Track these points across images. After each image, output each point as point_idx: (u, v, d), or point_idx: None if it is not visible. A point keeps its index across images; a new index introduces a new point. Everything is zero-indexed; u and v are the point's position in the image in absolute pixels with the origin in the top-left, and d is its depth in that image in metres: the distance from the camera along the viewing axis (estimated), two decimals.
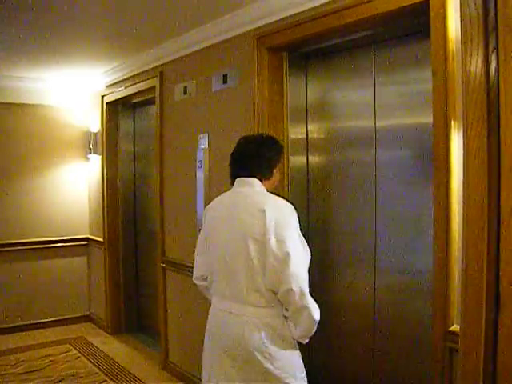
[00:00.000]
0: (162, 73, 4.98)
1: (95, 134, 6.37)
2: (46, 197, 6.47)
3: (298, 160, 3.85)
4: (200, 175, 4.41)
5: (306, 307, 2.47)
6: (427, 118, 2.79)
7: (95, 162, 6.44)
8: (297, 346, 2.63)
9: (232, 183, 2.76)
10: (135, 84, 5.48)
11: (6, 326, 6.26)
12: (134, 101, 5.92)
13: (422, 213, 3.09)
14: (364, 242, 3.50)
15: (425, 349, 2.93)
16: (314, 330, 2.55)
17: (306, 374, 2.69)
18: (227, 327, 2.57)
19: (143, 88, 5.34)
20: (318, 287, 3.79)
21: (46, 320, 6.51)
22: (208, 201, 4.07)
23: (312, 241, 3.81)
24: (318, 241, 3.80)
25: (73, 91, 6.54)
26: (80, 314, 6.74)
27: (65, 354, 5.62)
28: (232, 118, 4.10)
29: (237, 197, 2.68)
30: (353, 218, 3.60)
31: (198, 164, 4.45)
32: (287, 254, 2.44)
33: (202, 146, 4.40)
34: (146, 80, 5.26)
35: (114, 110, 6.17)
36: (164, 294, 5.01)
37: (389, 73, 3.34)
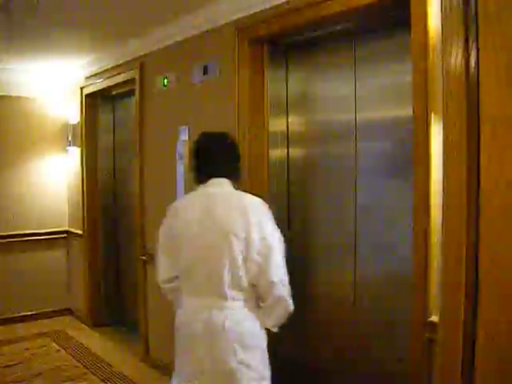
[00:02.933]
0: (142, 64, 4.95)
1: (74, 126, 6.30)
2: (24, 190, 6.40)
3: (278, 152, 3.85)
4: (180, 167, 4.40)
5: (285, 299, 2.61)
6: (407, 111, 2.80)
7: (74, 154, 6.38)
8: (266, 338, 2.75)
9: (199, 181, 2.80)
10: (115, 76, 5.43)
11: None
12: (113, 93, 5.87)
13: (402, 205, 3.10)
14: (344, 234, 3.51)
15: (404, 339, 2.95)
16: (284, 320, 2.70)
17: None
18: (207, 323, 2.60)
19: (123, 80, 5.31)
20: (298, 279, 3.84)
21: (26, 313, 6.45)
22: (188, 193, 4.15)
23: (292, 233, 3.84)
24: (298, 232, 3.81)
25: (52, 83, 6.47)
26: (60, 308, 6.68)
27: (45, 348, 5.58)
28: (212, 109, 4.09)
29: (213, 197, 2.71)
30: (333, 210, 3.61)
31: (177, 156, 4.43)
32: (270, 249, 2.58)
33: (183, 138, 4.38)
34: (126, 72, 5.22)
35: (93, 101, 6.11)
36: (144, 287, 4.99)
37: (369, 65, 3.35)
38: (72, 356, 5.33)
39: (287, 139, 3.87)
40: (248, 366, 2.61)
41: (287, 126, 3.87)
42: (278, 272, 2.59)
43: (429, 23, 2.59)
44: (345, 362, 3.54)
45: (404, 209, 3.00)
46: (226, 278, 2.58)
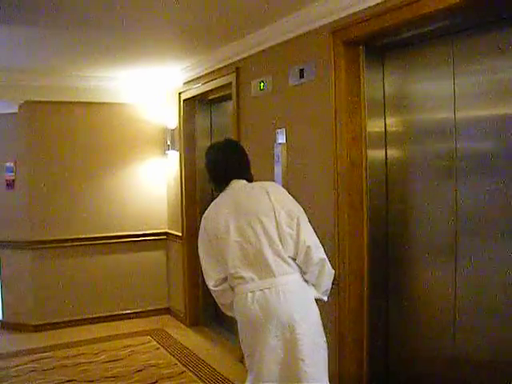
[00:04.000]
0: (238, 68, 5.03)
1: (173, 131, 6.49)
2: (125, 192, 6.69)
3: (376, 154, 3.80)
4: (278, 170, 4.43)
5: (324, 259, 2.87)
6: (510, 109, 2.69)
7: (173, 157, 6.58)
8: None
9: (220, 190, 3.07)
10: (212, 80, 5.55)
11: (88, 316, 6.53)
12: (210, 97, 6.00)
13: (509, 209, 2.99)
14: (444, 237, 3.42)
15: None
16: (331, 285, 2.97)
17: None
18: (263, 301, 2.77)
19: (220, 84, 5.41)
20: (395, 281, 3.79)
21: (127, 312, 6.73)
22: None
23: (391, 234, 3.78)
24: (397, 234, 3.75)
25: (151, 89, 6.70)
26: (159, 307, 6.91)
27: (145, 345, 5.78)
28: (309, 112, 4.09)
29: (237, 194, 2.98)
30: (433, 212, 3.53)
31: (275, 159, 4.46)
32: (297, 219, 2.84)
33: (280, 141, 4.41)
34: (222, 76, 5.32)
35: (191, 106, 6.27)
36: None
37: (468, 63, 3.25)
38: (171, 354, 5.49)
39: (385, 140, 3.81)
40: (308, 337, 2.77)
41: (385, 127, 3.81)
42: (311, 237, 2.86)
43: None
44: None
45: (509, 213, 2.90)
46: (269, 255, 2.79)
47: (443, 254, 3.45)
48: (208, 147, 3.24)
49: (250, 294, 2.80)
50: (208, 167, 3.15)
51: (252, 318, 2.80)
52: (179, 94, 6.27)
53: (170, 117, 6.57)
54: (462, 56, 3.26)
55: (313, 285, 2.90)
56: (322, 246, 2.92)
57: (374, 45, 3.73)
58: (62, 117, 6.37)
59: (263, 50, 4.65)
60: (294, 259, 2.84)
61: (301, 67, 4.16)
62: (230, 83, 5.16)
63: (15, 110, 6.28)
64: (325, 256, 2.87)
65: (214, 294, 3.01)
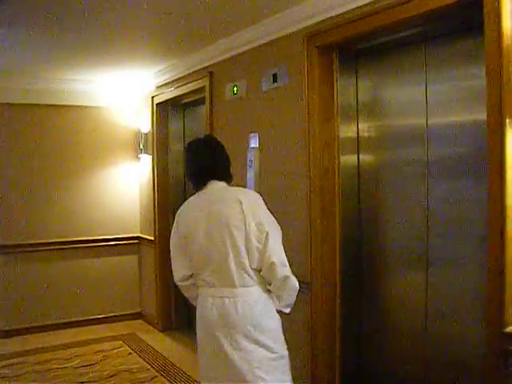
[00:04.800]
0: (211, 73, 5.03)
1: (146, 135, 6.47)
2: (98, 196, 6.64)
3: (348, 159, 3.84)
4: (250, 175, 4.43)
5: (288, 277, 2.81)
6: (480, 115, 2.74)
7: (146, 161, 6.56)
8: (280, 318, 2.95)
9: (198, 188, 3.04)
10: (185, 84, 5.55)
11: (60, 321, 6.44)
12: (183, 101, 6.04)
13: (475, 213, 3.04)
14: (416, 243, 3.47)
15: (478, 350, 2.88)
16: (295, 299, 2.92)
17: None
18: (222, 309, 2.81)
19: (193, 88, 5.41)
20: (370, 286, 3.82)
21: (99, 317, 6.67)
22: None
23: (363, 240, 3.82)
24: (369, 240, 3.79)
25: (123, 93, 6.68)
26: (132, 311, 6.87)
27: (117, 350, 5.73)
28: (282, 116, 4.12)
29: (210, 196, 2.95)
30: (404, 218, 3.57)
31: (248, 163, 4.47)
32: (266, 234, 2.79)
33: (253, 146, 4.42)
34: (195, 80, 5.32)
35: (164, 110, 6.26)
36: None
37: (441, 69, 3.30)
38: (143, 359, 5.46)
39: (357, 146, 3.85)
40: (264, 346, 2.80)
41: (357, 133, 3.85)
42: (278, 254, 2.81)
43: (503, 25, 2.54)
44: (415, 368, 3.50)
45: (478, 216, 2.95)
46: (233, 267, 2.79)
47: (415, 257, 3.49)
48: (188, 143, 3.20)
49: (210, 299, 2.86)
50: (186, 164, 3.19)
51: (209, 322, 2.86)
52: (152, 97, 6.26)
53: (143, 121, 6.56)
54: (435, 62, 3.31)
55: (276, 296, 2.89)
56: (289, 262, 2.86)
57: (348, 50, 3.78)
58: (33, 120, 6.30)
59: (237, 55, 4.66)
60: (259, 271, 2.84)
61: (274, 72, 4.19)
62: (203, 87, 5.17)
63: None
64: (289, 274, 2.82)
65: (180, 288, 3.10)
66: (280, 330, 2.93)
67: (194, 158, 3.07)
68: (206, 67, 5.12)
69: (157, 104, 6.20)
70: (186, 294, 3.13)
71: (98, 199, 6.62)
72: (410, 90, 3.53)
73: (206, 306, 2.87)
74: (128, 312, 6.84)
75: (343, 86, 3.80)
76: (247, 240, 2.79)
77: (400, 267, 3.64)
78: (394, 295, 3.69)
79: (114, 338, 6.13)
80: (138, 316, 6.88)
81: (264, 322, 2.82)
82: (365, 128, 3.83)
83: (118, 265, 6.79)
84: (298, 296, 2.93)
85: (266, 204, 2.94)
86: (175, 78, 5.74)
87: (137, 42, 4.81)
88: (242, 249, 2.79)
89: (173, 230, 3.06)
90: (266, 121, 4.30)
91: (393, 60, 3.62)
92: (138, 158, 6.71)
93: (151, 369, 5.17)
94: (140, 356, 5.55)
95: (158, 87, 6.16)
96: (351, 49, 3.76)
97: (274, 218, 2.91)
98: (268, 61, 4.26)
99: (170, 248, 3.07)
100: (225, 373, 2.81)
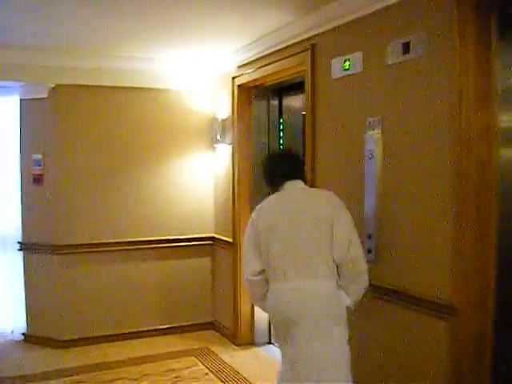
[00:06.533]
0: (313, 46, 4.19)
1: (224, 122, 5.67)
2: (166, 191, 5.89)
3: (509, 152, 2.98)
4: (370, 169, 3.59)
5: (366, 272, 3.02)
6: None
7: (223, 152, 5.77)
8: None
9: (274, 188, 3.21)
10: (275, 62, 4.73)
11: (124, 331, 5.75)
12: (272, 82, 5.18)
13: None
14: None
15: None
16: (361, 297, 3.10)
17: None
18: (303, 301, 2.91)
19: (286, 66, 4.59)
20: None
21: (165, 326, 5.94)
22: (382, 199, 3.51)
23: None
24: None
25: (197, 73, 5.89)
26: (203, 321, 6.11)
27: (191, 369, 5.00)
28: (416, 97, 3.25)
29: (295, 193, 3.14)
30: None
31: (366, 155, 3.63)
32: (351, 231, 3.00)
33: (373, 132, 3.58)
34: (290, 56, 4.49)
35: (248, 93, 5.45)
36: None
37: None
38: (222, 381, 4.69)
39: None
40: (336, 339, 2.95)
41: None
42: (360, 250, 3.01)
43: None
44: None
45: None
46: (316, 258, 2.93)
47: None
48: (268, 154, 3.69)
49: (288, 292, 2.94)
50: (264, 173, 3.36)
51: (284, 315, 2.94)
52: (233, 78, 5.45)
53: (220, 106, 5.77)
54: None
55: (347, 292, 3.02)
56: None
57: None
58: (96, 103, 5.58)
59: (350, 21, 3.79)
60: (337, 266, 2.98)
61: (405, 40, 3.32)
62: (302, 64, 4.32)
63: (44, 95, 5.49)
64: (367, 269, 3.02)
65: (248, 283, 3.16)
66: (347, 327, 3.06)
67: (269, 167, 3.31)
68: (306, 40, 4.27)
69: (238, 86, 5.39)
70: (251, 290, 3.19)
71: (166, 195, 5.88)
72: None
73: (281, 298, 2.96)
74: (198, 322, 6.08)
75: (505, 60, 2.91)
76: (334, 235, 2.94)
77: None
78: None
79: (185, 354, 5.38)
80: (209, 326, 6.11)
81: (338, 316, 2.96)
82: None
83: (189, 269, 6.03)
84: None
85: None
86: (262, 54, 4.92)
87: (214, 8, 3.97)
88: (328, 244, 2.93)
89: (249, 225, 3.15)
90: (393, 102, 3.44)
91: None
92: (214, 149, 5.92)
93: None
94: (218, 378, 4.78)
95: (239, 67, 5.35)
96: None
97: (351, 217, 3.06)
98: (396, 27, 3.39)
99: (244, 242, 3.17)
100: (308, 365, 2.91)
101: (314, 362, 2.90)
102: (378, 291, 3.49)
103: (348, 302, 3.03)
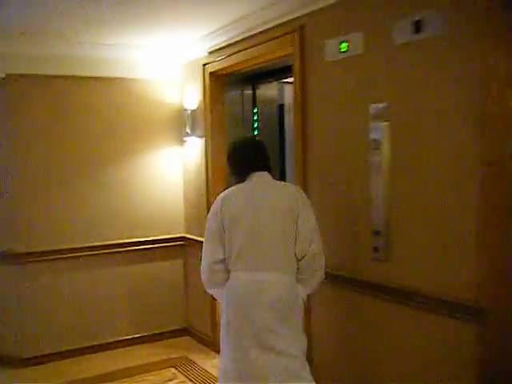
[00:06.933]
0: (302, 27, 3.83)
1: (193, 113, 5.25)
2: (132, 189, 5.44)
3: None
4: (376, 160, 3.28)
5: (323, 267, 3.09)
6: None
7: (193, 146, 5.36)
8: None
9: (239, 179, 3.20)
10: (255, 46, 4.35)
11: (93, 343, 5.29)
12: (248, 69, 4.80)
13: None
14: None
15: None
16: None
17: None
18: (265, 292, 2.93)
19: (267, 51, 4.23)
20: None
21: (136, 336, 5.50)
22: (391, 192, 3.22)
23: None
24: None
25: (165, 61, 5.46)
26: (176, 327, 5.70)
27: (172, 383, 4.58)
28: (431, 81, 2.94)
29: (261, 185, 3.13)
30: None
31: (371, 144, 3.32)
32: (314, 227, 3.05)
33: (378, 120, 3.27)
34: (272, 39, 4.13)
35: (221, 82, 5.05)
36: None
37: None
38: None
39: None
40: (286, 336, 2.95)
41: None
42: (321, 245, 3.06)
43: None
44: None
45: None
46: (280, 252, 2.97)
47: None
48: (231, 143, 3.43)
49: (248, 283, 2.97)
50: (229, 161, 3.31)
51: (244, 304, 2.96)
52: (203, 65, 5.04)
53: (189, 95, 5.35)
54: None
55: (303, 284, 3.07)
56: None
57: None
58: (54, 95, 5.04)
59: None
60: (298, 260, 3.03)
61: (417, 17, 3.01)
62: (288, 47, 3.97)
63: None
64: (324, 265, 3.09)
65: (208, 271, 3.11)
66: (302, 322, 3.12)
67: (235, 154, 3.26)
68: (294, 20, 3.91)
69: (210, 73, 4.98)
70: (210, 281, 3.14)
71: (132, 193, 5.43)
72: None
73: (246, 289, 2.97)
74: (171, 328, 5.67)
75: None
76: (298, 230, 2.99)
77: None
78: None
79: (163, 365, 4.97)
80: (182, 333, 5.71)
81: (293, 312, 3.00)
82: None
83: (158, 271, 5.60)
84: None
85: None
86: (238, 38, 4.54)
87: None
88: (292, 238, 2.99)
89: (212, 214, 3.12)
90: (401, 86, 3.13)
91: None
92: (183, 142, 5.51)
93: None
94: None
95: (211, 52, 4.95)
96: None
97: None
98: (405, 2, 3.09)
99: (206, 231, 3.14)
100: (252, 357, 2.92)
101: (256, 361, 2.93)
102: (387, 293, 3.22)
103: (303, 294, 3.11)
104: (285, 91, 5.49)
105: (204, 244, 3.15)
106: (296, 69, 3.90)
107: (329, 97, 3.68)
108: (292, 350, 2.95)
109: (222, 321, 3.13)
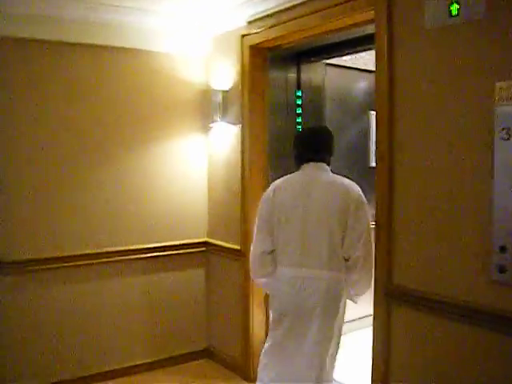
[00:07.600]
0: None
1: (226, 94, 4.41)
2: (145, 186, 4.54)
3: None
4: (504, 155, 2.49)
5: (369, 272, 3.02)
6: None
7: (224, 134, 4.53)
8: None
9: (296, 166, 3.18)
10: (310, 15, 3.53)
11: (100, 370, 4.38)
12: (300, 42, 4.00)
13: None
14: None
15: None
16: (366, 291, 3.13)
17: None
18: (309, 288, 2.93)
19: (333, 18, 3.41)
20: None
21: (154, 359, 4.64)
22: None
23: None
24: None
25: (189, 31, 4.58)
26: (195, 349, 4.85)
27: None
28: None
29: (314, 177, 3.07)
30: None
31: (500, 134, 2.52)
32: (363, 231, 2.95)
33: (510, 103, 2.47)
34: (342, 3, 3.31)
35: (263, 56, 4.21)
36: (387, 339, 3.13)
37: None
38: None
39: None
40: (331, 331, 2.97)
41: None
42: (371, 247, 3.00)
43: None
44: None
45: None
46: (326, 250, 2.94)
47: None
48: (303, 128, 3.70)
49: (287, 279, 2.99)
50: (292, 148, 3.23)
51: (283, 299, 3.00)
52: (242, 37, 4.20)
53: (221, 74, 4.51)
54: None
55: (351, 287, 3.03)
56: None
57: None
58: (58, 65, 4.08)
59: None
60: (346, 260, 2.97)
61: None
62: (365, 11, 3.16)
63: None
64: (371, 268, 3.00)
65: (258, 261, 3.12)
66: (343, 318, 3.07)
67: (299, 141, 3.21)
68: None
69: (251, 47, 4.14)
70: (258, 272, 3.16)
71: (146, 191, 4.54)
72: None
73: (289, 285, 2.98)
74: (188, 350, 4.81)
75: None
76: (345, 229, 2.92)
77: None
78: None
79: None
80: (203, 354, 4.87)
81: (335, 308, 2.96)
82: None
83: (176, 282, 4.73)
84: None
85: None
86: (289, 5, 3.70)
87: None
88: (338, 236, 2.93)
89: (264, 202, 3.12)
90: None
91: None
92: (208, 129, 4.65)
93: None
94: None
95: (251, 22, 4.11)
96: None
97: (370, 215, 2.98)
98: None
99: (257, 218, 3.15)
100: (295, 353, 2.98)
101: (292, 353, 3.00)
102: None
103: (352, 295, 3.10)
104: (326, 74, 4.71)
105: (255, 231, 3.17)
106: (380, 42, 3.06)
107: (429, 73, 2.86)
108: (318, 347, 2.95)
109: (270, 311, 3.22)
